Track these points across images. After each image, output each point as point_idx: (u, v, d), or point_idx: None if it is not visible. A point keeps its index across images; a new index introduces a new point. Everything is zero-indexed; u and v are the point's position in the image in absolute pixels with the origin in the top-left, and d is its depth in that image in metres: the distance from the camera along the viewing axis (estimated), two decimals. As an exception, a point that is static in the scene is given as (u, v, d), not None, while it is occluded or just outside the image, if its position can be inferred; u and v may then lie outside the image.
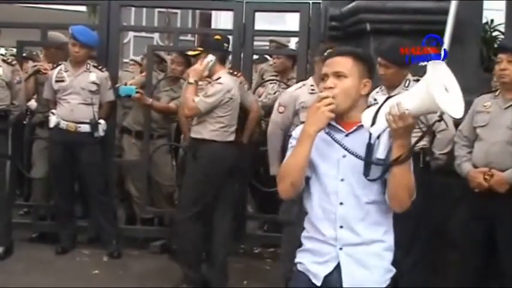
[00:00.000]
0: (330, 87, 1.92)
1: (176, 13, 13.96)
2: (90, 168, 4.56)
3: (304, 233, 2.04)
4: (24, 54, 5.45)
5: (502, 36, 4.93)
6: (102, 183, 4.66)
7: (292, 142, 2.00)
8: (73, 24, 4.59)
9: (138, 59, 7.20)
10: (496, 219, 3.18)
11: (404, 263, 3.23)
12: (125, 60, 9.63)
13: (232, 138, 3.86)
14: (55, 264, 4.34)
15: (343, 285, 1.90)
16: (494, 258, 3.24)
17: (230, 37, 4.59)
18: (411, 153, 1.82)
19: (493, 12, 5.06)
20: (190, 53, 4.07)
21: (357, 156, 1.86)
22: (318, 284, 1.93)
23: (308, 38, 4.67)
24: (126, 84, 4.82)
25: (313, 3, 4.70)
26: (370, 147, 1.86)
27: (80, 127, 4.48)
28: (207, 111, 3.75)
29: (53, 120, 4.49)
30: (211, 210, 3.90)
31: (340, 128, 1.96)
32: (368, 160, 1.86)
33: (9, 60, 4.59)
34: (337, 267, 1.91)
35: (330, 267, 1.92)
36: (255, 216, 5.16)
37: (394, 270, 1.97)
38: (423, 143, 3.36)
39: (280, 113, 3.73)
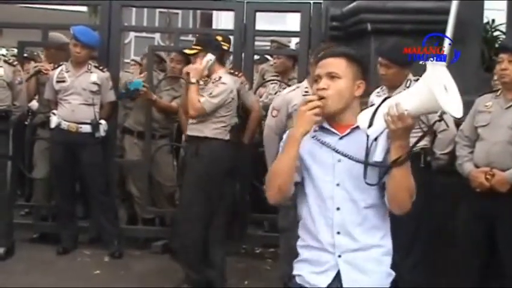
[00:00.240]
0: (323, 89, 1.89)
1: (177, 13, 13.95)
2: (91, 169, 4.56)
3: (299, 242, 1.99)
4: (25, 55, 5.45)
5: (503, 36, 4.94)
6: (103, 184, 4.66)
7: (283, 146, 1.95)
8: (74, 25, 4.59)
9: (139, 59, 7.21)
10: (497, 219, 3.17)
11: (405, 263, 3.23)
12: (125, 60, 9.63)
13: (229, 137, 3.87)
14: (56, 265, 4.34)
15: None
16: (495, 258, 3.24)
17: (231, 37, 4.60)
18: (410, 154, 1.77)
19: (494, 12, 5.07)
20: (188, 51, 4.04)
21: (352, 159, 1.82)
22: None
23: (309, 38, 4.67)
24: (126, 84, 4.83)
25: (314, 3, 4.70)
26: (368, 150, 1.82)
27: (81, 127, 4.48)
28: (212, 111, 3.77)
29: (54, 121, 4.50)
30: (212, 210, 3.90)
31: (334, 131, 1.92)
32: (367, 163, 1.81)
33: (11, 60, 4.60)
34: (337, 275, 1.87)
35: (330, 277, 1.87)
36: (256, 217, 5.15)
37: (393, 273, 1.94)
38: (424, 143, 3.35)
39: (274, 116, 3.66)
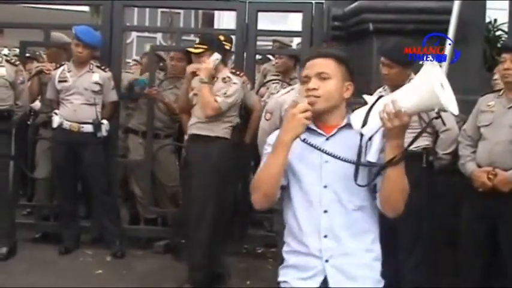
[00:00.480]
0: (314, 89, 1.85)
1: (179, 13, 14.00)
2: (93, 169, 4.56)
3: (285, 248, 1.93)
4: (27, 55, 5.46)
5: (506, 36, 4.94)
6: (105, 183, 4.66)
7: (268, 149, 1.90)
8: (76, 25, 4.59)
9: (139, 58, 7.21)
10: (499, 219, 3.17)
11: (407, 263, 3.23)
12: (127, 60, 9.65)
13: (230, 136, 3.90)
14: (58, 264, 4.34)
15: None
16: (497, 258, 3.24)
17: (233, 37, 4.61)
18: (405, 154, 1.73)
19: (496, 11, 5.07)
20: (193, 50, 4.02)
21: (340, 159, 1.77)
22: None
23: (311, 38, 4.67)
24: (130, 83, 4.84)
25: (316, 3, 4.70)
26: (360, 150, 1.77)
27: (83, 127, 4.48)
28: (225, 110, 3.83)
29: (56, 121, 4.50)
30: (222, 209, 3.90)
31: (320, 131, 1.89)
32: (359, 163, 1.76)
33: (13, 60, 4.60)
34: (325, 281, 1.81)
35: (316, 282, 1.81)
36: (257, 216, 5.15)
37: (383, 281, 1.88)
38: (426, 143, 3.36)
39: (267, 120, 3.61)
